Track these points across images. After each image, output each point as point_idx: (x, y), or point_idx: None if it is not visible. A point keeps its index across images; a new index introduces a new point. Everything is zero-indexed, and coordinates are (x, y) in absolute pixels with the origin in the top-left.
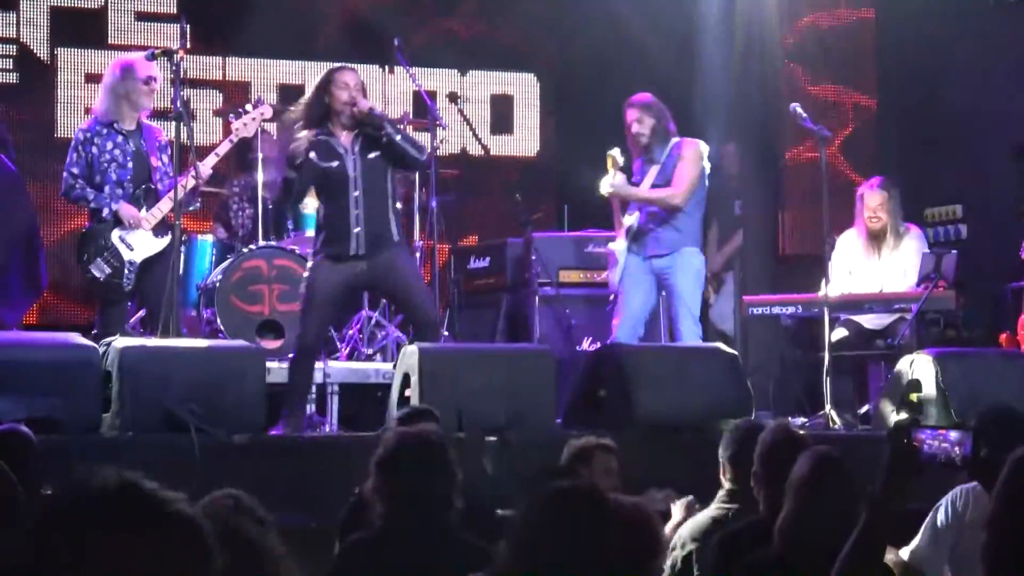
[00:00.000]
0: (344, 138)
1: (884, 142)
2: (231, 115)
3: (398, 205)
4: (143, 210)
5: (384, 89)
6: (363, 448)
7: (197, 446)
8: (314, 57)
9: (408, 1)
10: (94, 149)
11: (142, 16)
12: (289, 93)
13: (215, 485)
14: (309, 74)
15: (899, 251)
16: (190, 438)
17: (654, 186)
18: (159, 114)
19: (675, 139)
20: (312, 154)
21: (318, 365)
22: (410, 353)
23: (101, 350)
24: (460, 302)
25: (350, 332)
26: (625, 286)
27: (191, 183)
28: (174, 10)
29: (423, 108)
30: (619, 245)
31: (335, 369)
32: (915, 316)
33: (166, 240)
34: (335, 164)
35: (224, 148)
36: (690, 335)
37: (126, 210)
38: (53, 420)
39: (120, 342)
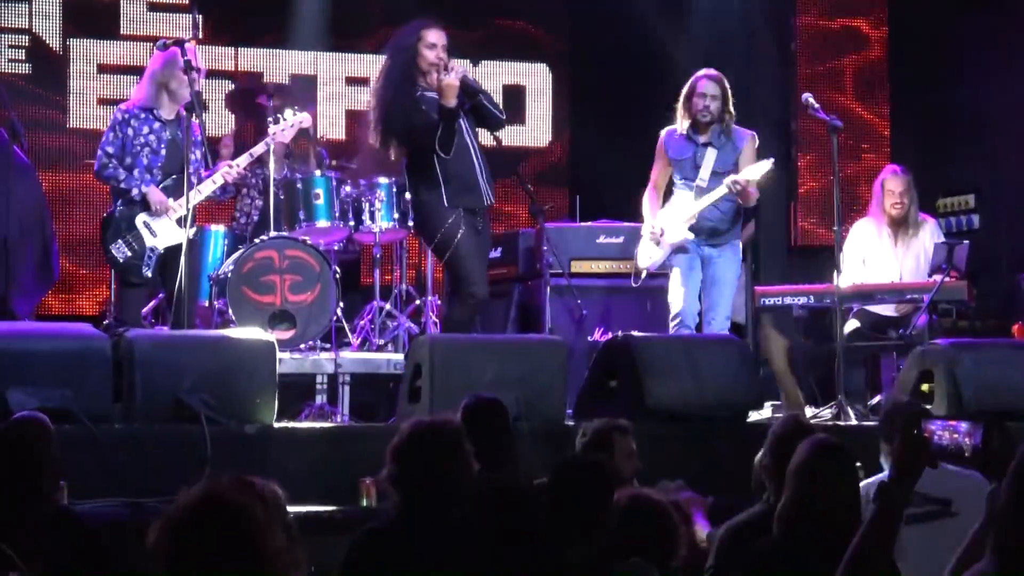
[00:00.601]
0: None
1: (897, 132)
2: (270, 118)
3: None
4: (171, 199)
5: None
6: (375, 438)
7: (208, 437)
8: (326, 48)
9: None
10: (129, 131)
11: (155, 7)
12: (300, 83)
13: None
14: (321, 64)
15: (917, 240)
16: (201, 429)
17: (714, 173)
18: None
19: (736, 128)
20: (424, 107)
21: (329, 355)
22: (421, 343)
23: (112, 340)
24: None
25: (361, 323)
26: (682, 268)
27: (222, 180)
28: (186, 0)
29: None
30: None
31: (347, 359)
32: (927, 306)
33: (192, 231)
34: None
35: (259, 150)
36: (722, 324)
37: (155, 195)
38: (64, 410)
39: (131, 332)
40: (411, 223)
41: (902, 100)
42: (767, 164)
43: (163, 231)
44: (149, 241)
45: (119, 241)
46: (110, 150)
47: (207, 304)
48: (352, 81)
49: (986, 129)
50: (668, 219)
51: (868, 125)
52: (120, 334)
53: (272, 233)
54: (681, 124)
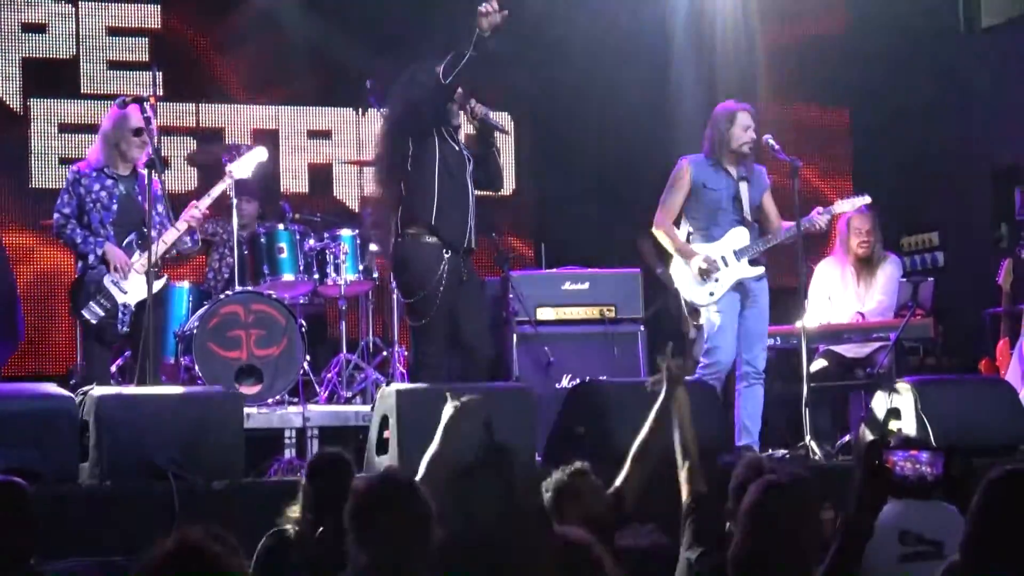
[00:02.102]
0: (459, 130)
1: (859, 169)
2: (224, 155)
3: None
4: (136, 255)
5: (358, 131)
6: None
7: (176, 493)
8: (287, 101)
9: (381, 43)
10: (81, 190)
11: (115, 65)
12: (262, 138)
13: None
14: (284, 119)
15: (876, 278)
16: (169, 486)
17: (751, 203)
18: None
19: (758, 165)
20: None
21: (296, 409)
22: (388, 394)
23: (78, 399)
24: None
25: (329, 375)
26: (728, 310)
27: (185, 225)
28: (147, 58)
29: None
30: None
31: (315, 412)
32: (893, 345)
33: (160, 283)
34: (456, 147)
35: (218, 189)
36: (763, 354)
37: (111, 252)
38: (31, 471)
39: (97, 391)
40: (375, 275)
41: (865, 139)
42: (865, 199)
43: (132, 287)
44: (120, 298)
45: (91, 304)
46: (66, 211)
47: (173, 361)
48: (314, 134)
49: (948, 166)
50: (724, 252)
51: (831, 162)
52: (86, 393)
53: (237, 288)
54: (717, 153)
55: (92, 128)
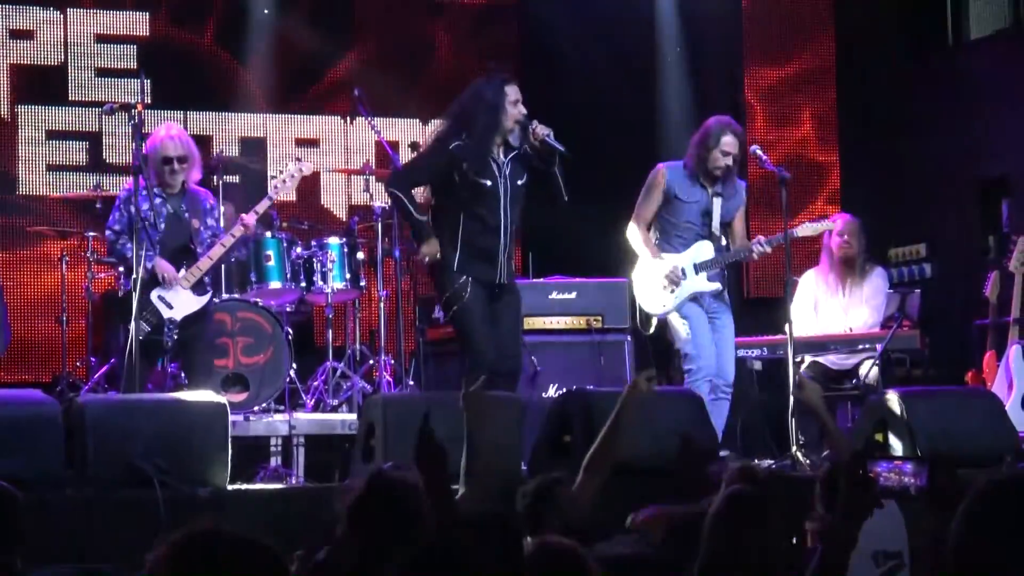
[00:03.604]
0: (500, 157)
1: (848, 181)
2: (271, 175)
3: None
4: (182, 270)
5: (346, 139)
6: (330, 499)
7: (162, 501)
8: (275, 110)
9: (370, 52)
10: (132, 208)
11: (103, 72)
12: (250, 146)
13: None
14: (271, 126)
15: (862, 289)
16: (155, 493)
17: (722, 219)
18: (124, 169)
19: (740, 182)
20: (465, 164)
21: (283, 417)
22: (374, 402)
23: (63, 406)
24: (426, 351)
25: (315, 384)
26: (698, 318)
27: (232, 240)
28: (134, 65)
29: (385, 158)
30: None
31: (301, 421)
32: (880, 356)
33: (206, 298)
34: (488, 183)
35: (263, 206)
36: (731, 367)
37: (162, 265)
38: (16, 478)
39: (83, 397)
40: (362, 283)
41: (853, 148)
42: (828, 224)
43: (178, 303)
44: (167, 313)
45: (141, 320)
46: (117, 228)
47: (159, 368)
48: (302, 143)
49: (936, 177)
50: (684, 264)
51: (819, 174)
52: (71, 399)
53: (224, 295)
54: (694, 166)
55: (80, 135)
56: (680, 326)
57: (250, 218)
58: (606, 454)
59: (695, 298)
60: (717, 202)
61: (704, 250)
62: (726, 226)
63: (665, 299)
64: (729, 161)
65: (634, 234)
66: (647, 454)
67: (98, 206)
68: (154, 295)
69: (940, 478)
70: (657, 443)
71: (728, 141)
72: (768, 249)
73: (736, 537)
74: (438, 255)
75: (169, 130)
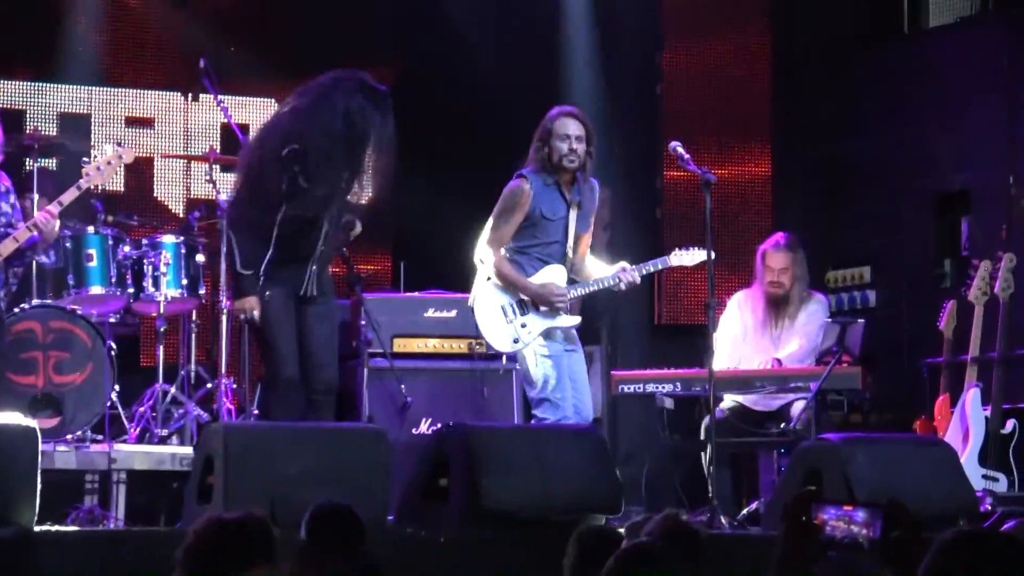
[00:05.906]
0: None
1: (781, 193)
2: (84, 159)
3: None
4: None
5: (186, 120)
6: (158, 544)
7: None
8: (100, 82)
9: (219, 18)
10: None
11: None
12: (71, 123)
13: None
14: (96, 101)
15: (797, 321)
16: None
17: (577, 234)
18: None
19: (594, 181)
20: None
21: (101, 448)
22: (213, 432)
23: None
24: None
25: (141, 409)
26: (558, 355)
27: (26, 234)
28: None
29: (234, 144)
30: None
31: (123, 453)
32: (814, 397)
33: None
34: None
35: (69, 197)
36: (591, 402)
37: None
38: None
39: None
40: (201, 291)
41: (786, 155)
42: (702, 255)
43: None
44: None
45: None
46: None
47: None
48: (132, 122)
49: (884, 189)
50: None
51: (747, 183)
52: None
53: (35, 301)
54: (541, 167)
55: None
56: (547, 369)
57: (43, 215)
58: None
59: (549, 334)
60: (573, 215)
61: (557, 275)
62: (578, 241)
63: (517, 333)
64: (574, 145)
65: (489, 258)
66: (536, 503)
67: None
68: None
69: (896, 529)
70: (547, 490)
71: (566, 122)
72: (637, 279)
73: None
74: (256, 313)
75: None
